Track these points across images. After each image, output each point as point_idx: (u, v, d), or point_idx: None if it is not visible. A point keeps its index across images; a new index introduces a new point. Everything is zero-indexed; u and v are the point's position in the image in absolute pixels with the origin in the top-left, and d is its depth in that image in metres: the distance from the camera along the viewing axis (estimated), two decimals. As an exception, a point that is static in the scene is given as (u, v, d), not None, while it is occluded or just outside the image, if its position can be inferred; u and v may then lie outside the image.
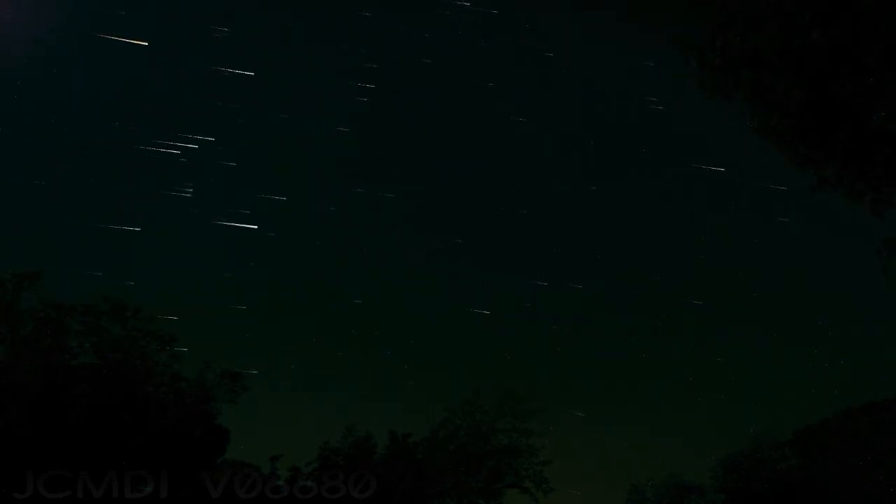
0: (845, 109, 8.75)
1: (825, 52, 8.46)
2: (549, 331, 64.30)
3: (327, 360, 59.51)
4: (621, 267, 68.53)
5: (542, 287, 63.05)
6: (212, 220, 60.08)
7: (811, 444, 39.01)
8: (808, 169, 9.35)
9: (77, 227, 61.08)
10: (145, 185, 63.79)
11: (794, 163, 9.34)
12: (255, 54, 66.34)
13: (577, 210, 69.24)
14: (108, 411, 28.67)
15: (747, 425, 62.03)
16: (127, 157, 61.93)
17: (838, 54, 8.46)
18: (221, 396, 32.97)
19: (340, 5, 64.48)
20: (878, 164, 8.83)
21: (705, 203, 69.02)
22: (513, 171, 71.49)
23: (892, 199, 8.95)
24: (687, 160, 67.93)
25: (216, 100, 65.28)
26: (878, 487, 35.21)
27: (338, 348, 62.49)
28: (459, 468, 36.84)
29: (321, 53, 66.20)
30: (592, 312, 64.21)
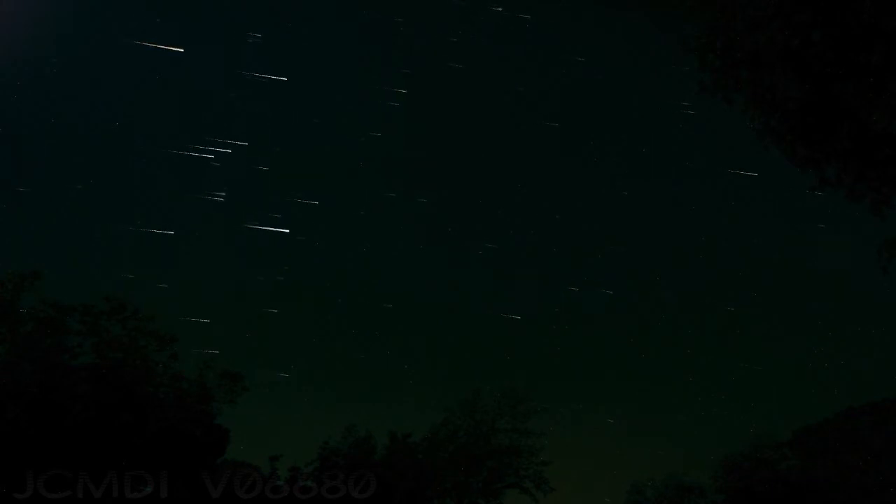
0: (845, 109, 8.73)
1: (825, 52, 8.45)
2: (550, 331, 64.33)
3: (328, 360, 59.56)
4: (621, 268, 68.58)
5: (573, 292, 62.74)
6: (244, 224, 59.84)
7: (811, 444, 38.98)
8: (809, 169, 9.33)
9: (110, 230, 61.11)
10: (178, 190, 63.56)
11: (795, 163, 9.32)
12: (287, 60, 66.20)
13: (608, 215, 68.68)
14: (107, 411, 28.63)
15: (747, 425, 62.13)
16: (161, 161, 61.97)
17: (838, 54, 8.44)
18: (221, 397, 32.96)
19: (372, 11, 64.18)
20: (878, 165, 8.81)
21: (716, 205, 68.93)
22: (543, 176, 70.97)
23: (892, 199, 8.91)
24: (719, 165, 67.59)
25: (249, 105, 65.15)
26: (879, 487, 35.15)
27: (338, 349, 62.55)
28: (459, 468, 36.82)
29: (353, 59, 65.95)
30: (592, 313, 64.24)
